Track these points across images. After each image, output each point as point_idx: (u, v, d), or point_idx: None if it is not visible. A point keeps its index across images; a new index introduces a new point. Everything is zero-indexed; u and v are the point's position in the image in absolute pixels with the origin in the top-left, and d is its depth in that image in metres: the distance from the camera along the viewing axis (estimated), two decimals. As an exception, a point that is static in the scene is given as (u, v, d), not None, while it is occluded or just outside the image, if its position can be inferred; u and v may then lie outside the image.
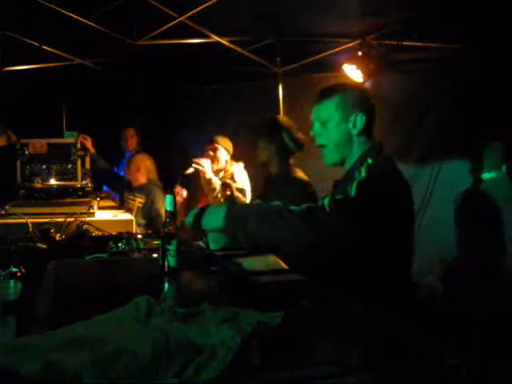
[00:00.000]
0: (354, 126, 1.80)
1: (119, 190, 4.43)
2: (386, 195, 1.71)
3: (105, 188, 4.76)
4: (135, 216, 3.58)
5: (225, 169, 3.83)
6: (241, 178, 3.75)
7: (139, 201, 4.16)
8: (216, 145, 3.83)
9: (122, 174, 4.67)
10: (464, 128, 4.03)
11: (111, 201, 4.37)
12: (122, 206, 4.12)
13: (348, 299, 1.35)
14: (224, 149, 3.85)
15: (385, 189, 1.73)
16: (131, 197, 4.21)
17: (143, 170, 4.28)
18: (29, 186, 3.06)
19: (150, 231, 2.67)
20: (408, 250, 1.86)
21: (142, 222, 3.97)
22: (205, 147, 3.88)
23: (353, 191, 1.67)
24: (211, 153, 3.81)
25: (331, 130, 1.83)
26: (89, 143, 3.79)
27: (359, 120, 1.79)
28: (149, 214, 4.11)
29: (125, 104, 5.61)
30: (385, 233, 1.67)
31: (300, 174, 2.87)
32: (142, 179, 4.27)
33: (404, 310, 1.63)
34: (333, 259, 1.65)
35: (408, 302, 1.78)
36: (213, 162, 3.70)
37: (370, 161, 1.76)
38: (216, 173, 3.70)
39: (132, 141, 4.91)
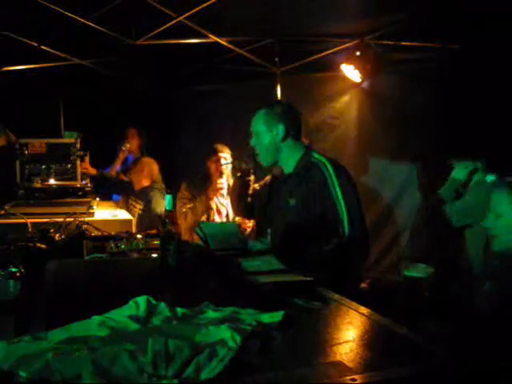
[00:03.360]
0: (277, 134, 2.32)
1: (126, 194, 4.45)
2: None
3: (114, 196, 4.70)
4: (136, 223, 3.57)
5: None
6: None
7: (139, 207, 4.20)
8: (220, 154, 3.79)
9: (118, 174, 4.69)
10: (461, 128, 4.03)
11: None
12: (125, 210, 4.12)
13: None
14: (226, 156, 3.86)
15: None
16: (133, 203, 4.26)
17: (147, 173, 4.33)
18: (28, 186, 3.05)
19: (150, 231, 2.67)
20: None
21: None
22: (211, 159, 3.81)
23: (339, 195, 2.16)
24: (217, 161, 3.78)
25: (261, 139, 2.35)
26: (87, 168, 3.70)
27: (280, 130, 2.31)
28: (149, 217, 4.11)
29: (123, 104, 5.60)
30: None
31: None
32: (145, 182, 4.33)
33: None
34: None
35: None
36: (223, 172, 3.72)
37: (316, 156, 2.30)
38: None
39: (133, 141, 4.78)
